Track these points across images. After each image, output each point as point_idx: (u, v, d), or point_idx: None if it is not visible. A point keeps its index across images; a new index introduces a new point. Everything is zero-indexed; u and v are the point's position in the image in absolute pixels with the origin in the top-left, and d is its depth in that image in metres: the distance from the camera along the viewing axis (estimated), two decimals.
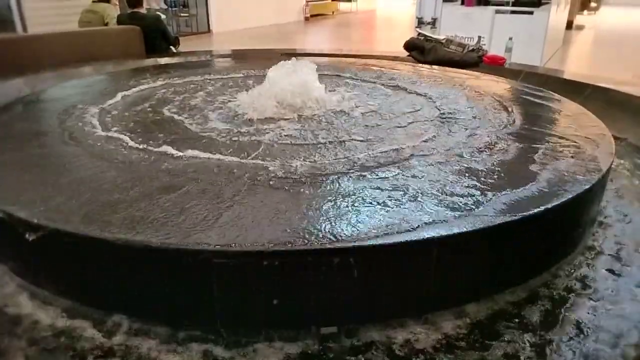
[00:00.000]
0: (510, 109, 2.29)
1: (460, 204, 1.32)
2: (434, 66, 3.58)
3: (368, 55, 4.18)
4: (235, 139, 1.93)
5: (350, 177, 1.52)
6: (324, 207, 1.31)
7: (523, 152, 1.74)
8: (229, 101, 2.50)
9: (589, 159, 1.67)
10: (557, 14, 8.08)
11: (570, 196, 1.39)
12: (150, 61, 4.01)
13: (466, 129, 2.02)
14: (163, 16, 5.32)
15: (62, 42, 3.88)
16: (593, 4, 16.71)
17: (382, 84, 2.92)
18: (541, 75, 3.41)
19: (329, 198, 1.37)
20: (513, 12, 7.28)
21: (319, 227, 1.20)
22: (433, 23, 10.14)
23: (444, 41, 3.91)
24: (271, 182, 1.47)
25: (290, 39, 12.25)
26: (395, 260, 1.19)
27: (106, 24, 4.58)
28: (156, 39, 4.37)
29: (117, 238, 1.15)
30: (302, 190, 1.42)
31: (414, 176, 1.52)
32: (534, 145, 1.79)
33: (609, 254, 1.62)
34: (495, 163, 1.63)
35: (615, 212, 1.89)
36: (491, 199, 1.35)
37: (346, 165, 1.62)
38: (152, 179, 1.49)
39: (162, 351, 1.21)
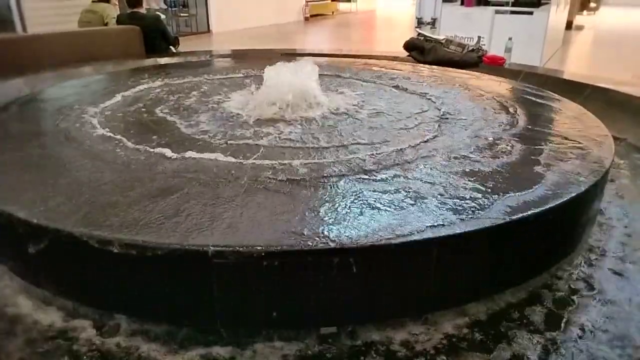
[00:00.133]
0: (512, 110, 2.29)
1: (465, 207, 1.31)
2: (434, 66, 3.58)
3: (368, 56, 4.18)
4: (235, 142, 1.92)
5: (350, 178, 1.51)
6: (324, 208, 1.31)
7: (527, 153, 1.74)
8: (223, 101, 2.50)
9: (589, 159, 1.67)
10: (556, 14, 8.08)
11: (569, 196, 1.39)
12: (150, 61, 4.01)
13: (466, 129, 2.01)
14: (163, 16, 5.33)
15: (62, 42, 3.87)
16: (592, 4, 16.72)
17: (383, 84, 2.92)
18: (541, 76, 3.41)
19: (329, 199, 1.37)
20: (513, 12, 7.28)
21: (319, 227, 1.20)
22: (433, 23, 10.17)
23: (443, 41, 3.91)
24: (271, 184, 1.47)
25: (290, 39, 12.25)
26: (395, 261, 1.19)
27: (106, 24, 4.57)
28: (156, 39, 4.37)
29: (118, 238, 1.15)
30: (302, 191, 1.42)
31: (416, 178, 1.51)
32: (537, 147, 1.79)
33: (609, 254, 1.62)
34: (499, 164, 1.63)
35: (615, 212, 1.89)
36: (496, 201, 1.35)
37: (347, 166, 1.62)
38: (152, 180, 1.49)
39: (161, 351, 1.21)
